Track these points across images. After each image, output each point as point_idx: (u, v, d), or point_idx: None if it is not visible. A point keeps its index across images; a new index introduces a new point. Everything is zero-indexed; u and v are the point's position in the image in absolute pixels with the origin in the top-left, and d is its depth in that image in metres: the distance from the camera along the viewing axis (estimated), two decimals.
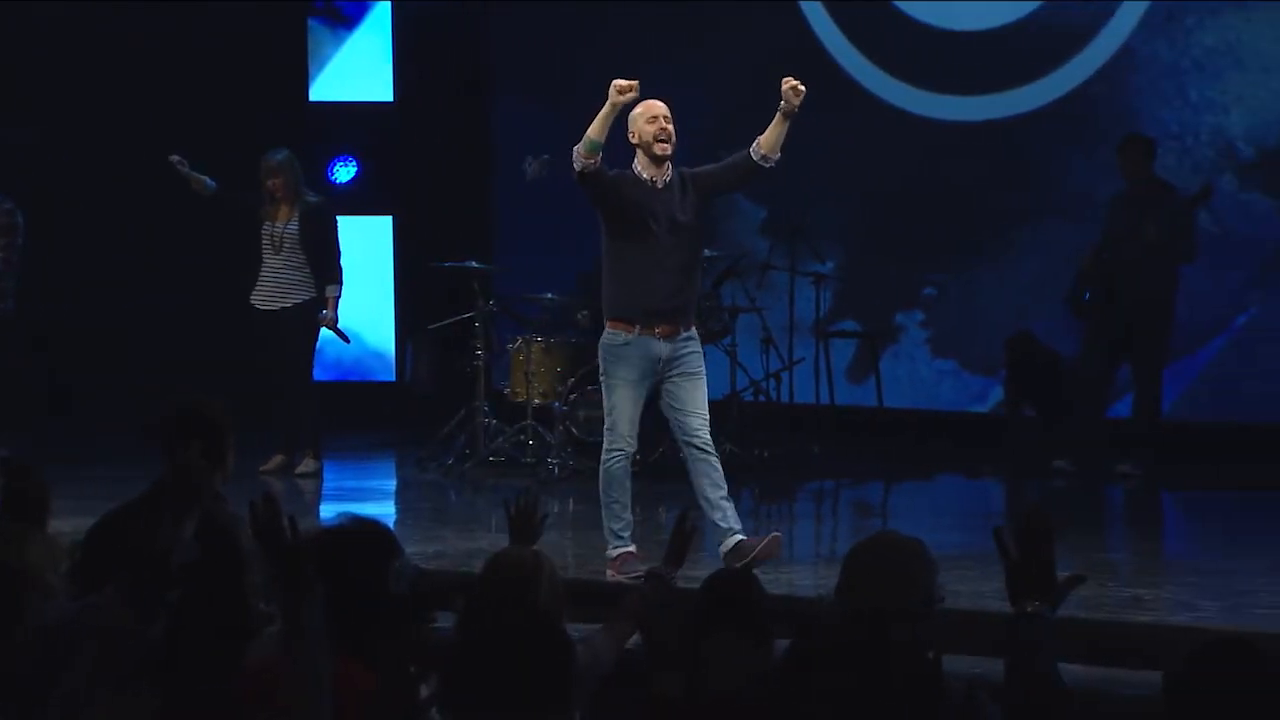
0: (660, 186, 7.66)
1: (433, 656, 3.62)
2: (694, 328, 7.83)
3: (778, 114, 7.58)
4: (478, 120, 13.60)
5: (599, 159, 7.52)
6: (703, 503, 7.68)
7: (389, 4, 13.59)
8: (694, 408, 7.69)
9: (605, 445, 7.74)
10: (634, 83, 7.47)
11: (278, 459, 10.83)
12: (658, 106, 7.70)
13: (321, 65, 13.63)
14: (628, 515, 7.69)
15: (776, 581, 7.50)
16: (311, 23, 13.63)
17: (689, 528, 4.77)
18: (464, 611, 4.06)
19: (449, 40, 13.53)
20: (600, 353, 7.78)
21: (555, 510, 9.30)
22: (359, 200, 13.07)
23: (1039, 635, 3.45)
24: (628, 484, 7.72)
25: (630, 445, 7.71)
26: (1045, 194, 12.01)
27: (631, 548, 7.63)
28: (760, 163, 7.65)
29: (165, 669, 3.59)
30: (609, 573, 7.64)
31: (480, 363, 11.11)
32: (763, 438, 11.24)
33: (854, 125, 12.48)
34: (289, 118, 13.04)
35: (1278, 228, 11.37)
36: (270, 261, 10.80)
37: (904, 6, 12.37)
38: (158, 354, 12.84)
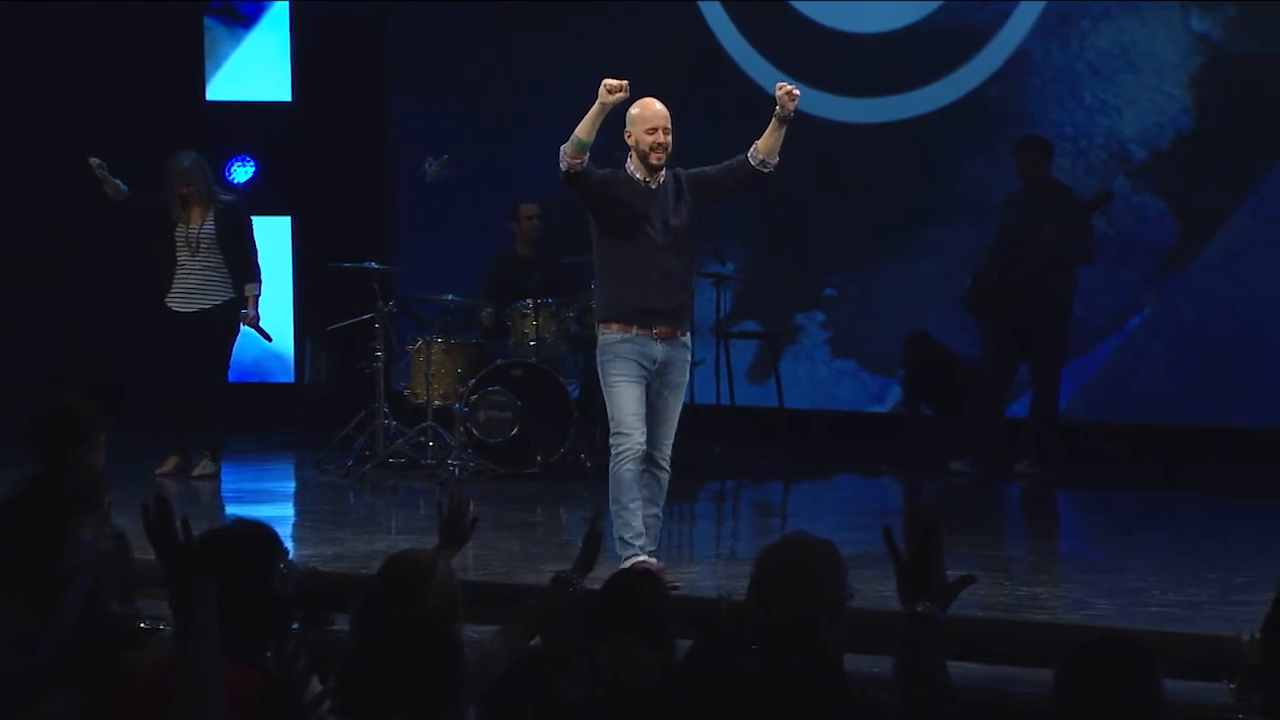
0: (654, 188, 7.57)
1: (327, 657, 3.60)
2: (689, 333, 7.71)
3: (773, 120, 7.52)
4: (377, 120, 13.54)
5: (586, 159, 7.42)
6: (645, 506, 7.52)
7: (287, 3, 13.49)
8: (667, 422, 7.55)
9: (613, 448, 7.49)
10: (624, 83, 7.38)
11: (173, 460, 10.74)
12: (658, 115, 7.57)
13: (219, 64, 13.52)
14: (638, 523, 7.44)
15: (678, 581, 7.52)
16: (208, 22, 13.51)
17: (599, 532, 4.75)
18: (357, 612, 4.05)
19: (348, 39, 13.46)
20: (598, 355, 7.63)
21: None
22: (257, 200, 12.94)
23: (928, 635, 3.49)
24: (637, 488, 7.47)
25: (639, 442, 7.45)
26: (943, 195, 12.10)
27: (644, 556, 7.33)
28: (759, 168, 7.60)
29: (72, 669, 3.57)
30: None
31: (380, 364, 11.06)
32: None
33: (753, 126, 12.49)
34: (186, 117, 12.94)
35: (1170, 229, 11.51)
36: (187, 264, 10.71)
37: (802, 8, 12.43)
38: (59, 354, 12.71)
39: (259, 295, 10.76)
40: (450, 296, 11.27)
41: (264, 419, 12.84)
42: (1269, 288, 11.20)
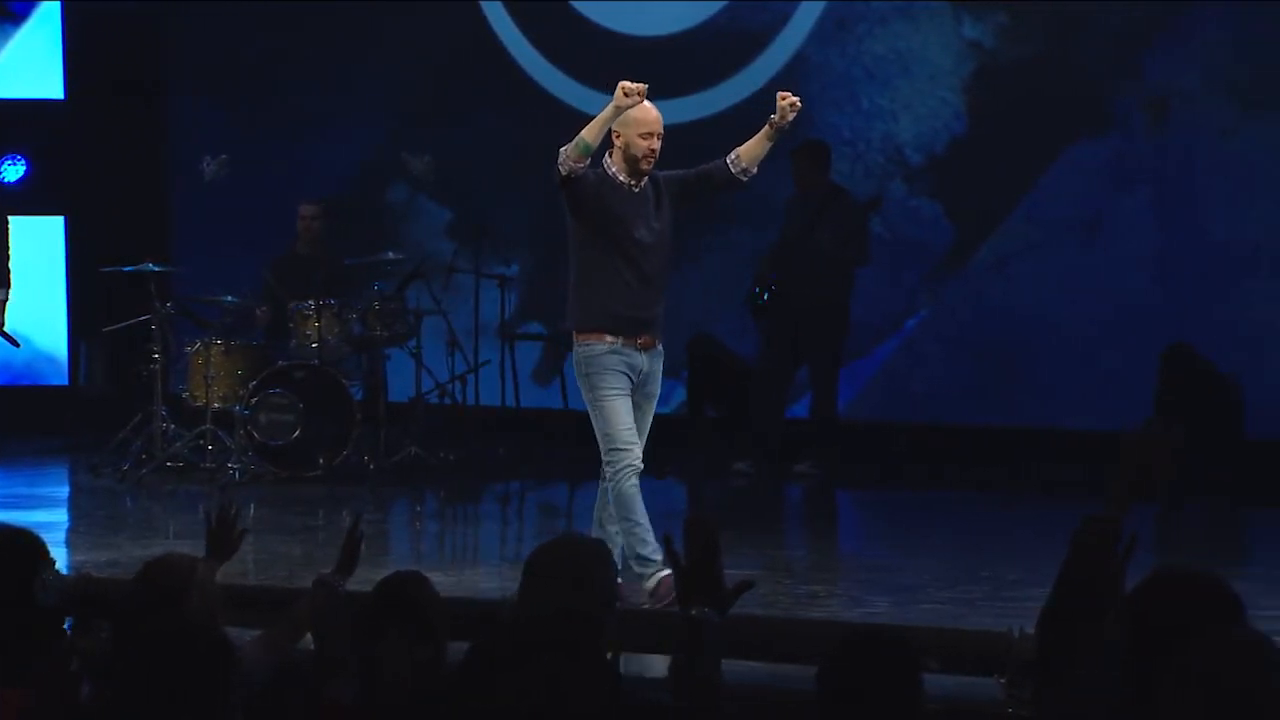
0: (637, 191, 7.26)
1: (95, 664, 3.52)
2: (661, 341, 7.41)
3: (766, 128, 7.21)
4: (153, 119, 13.32)
5: (589, 163, 7.11)
6: (595, 528, 7.28)
7: (59, 1, 13.21)
8: (641, 434, 7.24)
9: (609, 465, 7.17)
10: (643, 86, 7.05)
11: None
12: (654, 121, 7.23)
13: None
14: (652, 538, 7.09)
15: (460, 584, 7.51)
16: None
17: (359, 535, 4.70)
18: (118, 619, 3.97)
19: (122, 38, 13.21)
20: (579, 368, 7.26)
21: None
22: (29, 200, 12.67)
23: (704, 639, 3.52)
24: (642, 502, 7.15)
25: (637, 457, 7.16)
26: (726, 198, 12.13)
27: (667, 571, 6.81)
28: (739, 176, 7.30)
29: None
30: (648, 603, 6.99)
31: (157, 366, 10.88)
32: (448, 440, 11.21)
33: (537, 127, 12.50)
34: None
35: (946, 232, 11.72)
36: None
37: (583, 10, 12.46)
38: None
39: (6, 300, 10.42)
40: (230, 298, 11.11)
41: (37, 423, 12.57)
42: (1042, 290, 11.45)
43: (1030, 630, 5.23)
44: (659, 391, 7.39)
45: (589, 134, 7.07)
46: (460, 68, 12.63)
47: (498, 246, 11.83)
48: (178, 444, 10.84)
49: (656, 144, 7.21)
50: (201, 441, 10.83)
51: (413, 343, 11.23)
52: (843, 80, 11.83)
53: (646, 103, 7.20)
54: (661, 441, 12.09)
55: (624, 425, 7.15)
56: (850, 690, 3.23)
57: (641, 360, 7.24)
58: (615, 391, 7.18)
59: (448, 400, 11.62)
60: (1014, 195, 11.50)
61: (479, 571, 8.08)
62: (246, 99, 12.98)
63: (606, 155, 7.23)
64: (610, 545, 6.99)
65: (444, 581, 7.18)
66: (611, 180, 7.23)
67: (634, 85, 7.04)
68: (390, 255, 11.34)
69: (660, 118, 7.26)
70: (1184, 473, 3.08)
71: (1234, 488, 9.95)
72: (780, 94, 7.22)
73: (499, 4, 12.65)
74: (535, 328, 12.59)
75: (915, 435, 11.55)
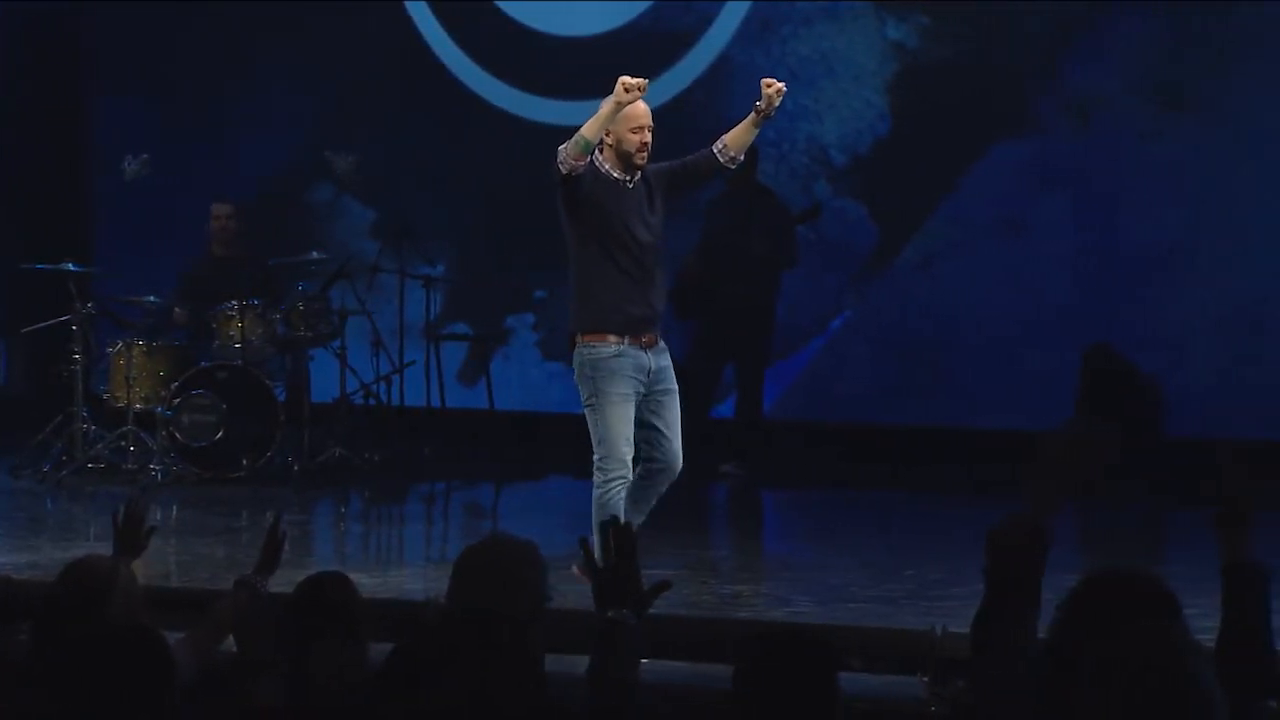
0: (631, 187, 7.15)
1: (14, 668, 3.49)
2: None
3: (751, 114, 7.11)
4: (74, 118, 13.21)
5: (589, 161, 6.99)
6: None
7: None
8: (674, 429, 7.13)
9: (600, 472, 7.04)
10: (643, 81, 6.93)
11: None
12: (643, 114, 7.11)
13: None
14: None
15: (385, 585, 7.49)
16: None
17: (280, 535, 4.68)
18: (37, 621, 3.94)
19: (44, 37, 13.10)
20: (582, 371, 7.10)
21: (159, 517, 9.10)
22: None
23: (621, 641, 3.53)
24: (624, 514, 6.92)
25: (630, 470, 7.02)
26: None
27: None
28: (726, 164, 7.21)
29: None
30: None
31: (78, 367, 10.80)
32: (374, 441, 11.18)
33: (462, 127, 12.51)
34: None
35: (870, 233, 11.77)
36: None
37: (509, 10, 12.44)
38: None
39: None
40: (152, 298, 11.04)
41: None
42: (965, 289, 11.52)
43: (953, 629, 5.28)
44: (676, 386, 7.22)
45: (589, 131, 6.95)
46: (385, 67, 12.59)
47: (423, 247, 11.80)
48: (99, 445, 10.76)
49: (648, 137, 7.10)
50: (123, 443, 10.76)
51: (337, 343, 11.18)
52: None
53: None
54: (587, 441, 12.15)
55: (623, 434, 7.00)
56: (764, 689, 3.24)
57: (648, 360, 7.12)
58: (620, 397, 7.03)
59: (372, 401, 11.58)
60: (937, 196, 11.56)
61: (404, 573, 8.06)
62: (168, 98, 12.90)
63: (596, 153, 7.13)
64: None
65: (369, 583, 7.18)
66: (605, 177, 7.13)
67: (634, 80, 6.92)
68: (314, 255, 11.30)
69: (649, 111, 7.15)
70: (1116, 473, 3.09)
71: (1155, 487, 10.03)
72: (765, 80, 7.14)
73: (424, 4, 12.62)
74: (461, 328, 12.56)
75: (840, 435, 11.59)
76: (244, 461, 10.61)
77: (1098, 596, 2.87)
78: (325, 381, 11.25)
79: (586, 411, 7.13)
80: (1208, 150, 11.05)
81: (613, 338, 7.07)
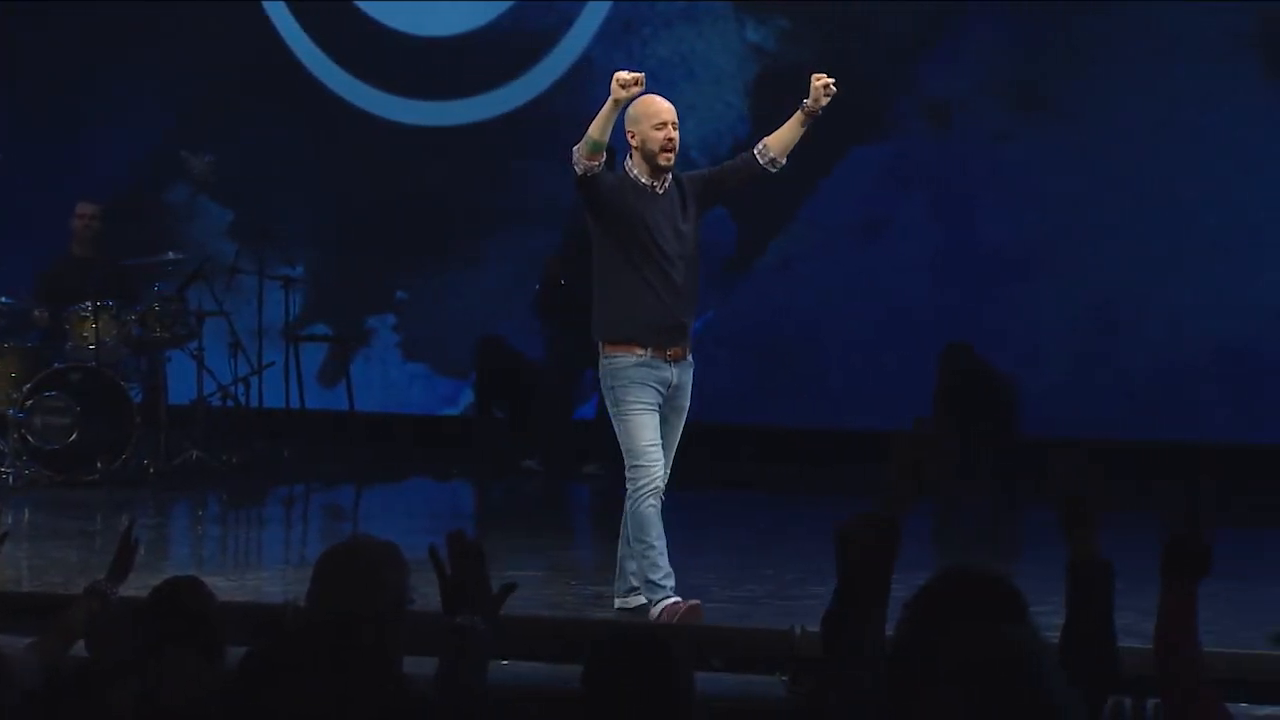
0: (660, 192, 6.87)
1: None
2: (692, 352, 7.05)
3: (798, 114, 6.92)
4: None
5: (603, 159, 6.72)
6: (622, 545, 7.00)
7: None
8: (669, 448, 6.95)
9: (631, 482, 6.82)
10: (639, 75, 6.68)
11: None
12: (665, 110, 6.86)
13: None
14: (666, 562, 6.77)
15: (243, 588, 7.42)
16: None
17: (133, 541, 4.62)
18: None
19: None
20: (604, 381, 6.92)
21: (10, 521, 8.96)
22: None
23: (471, 647, 3.54)
24: (660, 525, 6.80)
25: (659, 477, 6.81)
26: (514, 199, 12.19)
27: (677, 599, 6.72)
28: (767, 167, 6.98)
29: None
30: None
31: None
32: (232, 443, 11.08)
33: (322, 128, 12.43)
34: None
35: (731, 234, 11.83)
36: None
37: (368, 9, 12.38)
38: None
39: None
40: (4, 299, 10.88)
41: None
42: (826, 291, 11.61)
43: (812, 629, 5.32)
44: (688, 404, 7.05)
45: (595, 130, 6.69)
46: (243, 67, 12.49)
47: (282, 247, 11.71)
48: None
49: (673, 133, 6.84)
50: None
51: (194, 344, 11.08)
52: None
53: (655, 96, 6.92)
54: (450, 442, 12.15)
55: (648, 441, 6.82)
56: (608, 689, 3.25)
57: (671, 373, 6.91)
58: (642, 407, 6.83)
59: (231, 403, 11.48)
60: (797, 197, 11.64)
61: (263, 576, 7.99)
62: (21, 96, 12.72)
63: (627, 159, 6.92)
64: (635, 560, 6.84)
65: (227, 586, 7.11)
66: (634, 183, 6.87)
67: (629, 75, 6.70)
68: (171, 256, 11.20)
69: (671, 107, 6.91)
70: (962, 472, 3.14)
71: (1009, 484, 10.16)
72: (815, 75, 6.92)
73: (282, 4, 12.52)
74: (320, 329, 12.48)
75: (701, 436, 11.55)
76: (98, 464, 10.48)
77: (943, 596, 2.90)
78: (183, 383, 11.14)
79: (613, 422, 6.93)
80: (1061, 151, 11.22)
81: (636, 348, 6.87)
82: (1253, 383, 10.96)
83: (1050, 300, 11.20)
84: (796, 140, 6.99)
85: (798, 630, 6.09)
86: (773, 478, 10.98)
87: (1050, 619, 3.21)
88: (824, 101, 6.90)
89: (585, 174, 6.72)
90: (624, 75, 6.72)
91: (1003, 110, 11.34)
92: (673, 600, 6.73)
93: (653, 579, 6.78)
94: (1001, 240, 11.32)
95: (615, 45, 11.96)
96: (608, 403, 6.96)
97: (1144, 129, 11.10)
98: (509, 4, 12.18)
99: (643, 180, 6.86)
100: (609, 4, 11.99)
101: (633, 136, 6.85)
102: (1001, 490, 10.06)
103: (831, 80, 6.88)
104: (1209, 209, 11.05)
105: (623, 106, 6.73)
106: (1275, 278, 10.93)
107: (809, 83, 7.00)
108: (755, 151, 7.00)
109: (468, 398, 12.31)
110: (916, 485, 3.19)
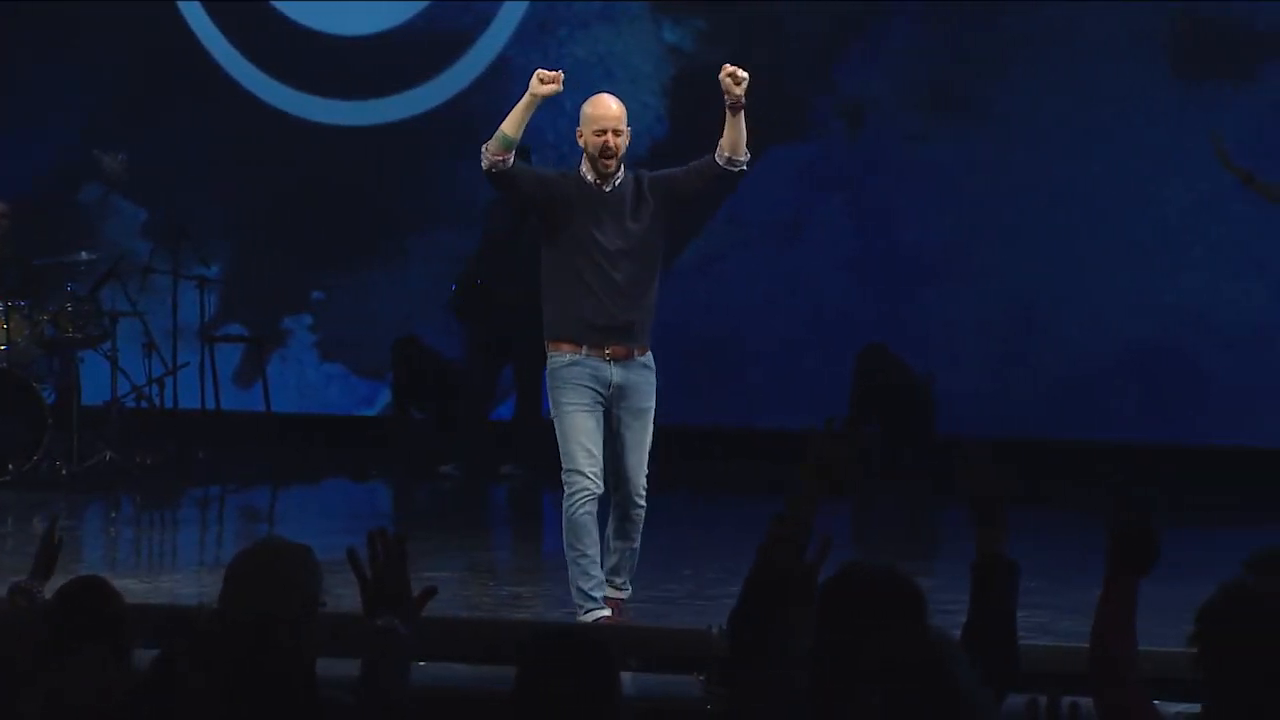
0: (607, 190, 6.80)
1: None
2: (649, 352, 6.97)
3: (727, 111, 6.83)
4: None
5: (511, 157, 6.67)
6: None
7: None
8: (635, 451, 6.86)
9: (565, 487, 6.74)
10: (557, 74, 6.71)
11: None
12: (608, 117, 6.82)
13: None
14: (598, 572, 6.71)
15: (156, 590, 7.37)
16: None
17: (56, 539, 4.58)
18: None
19: None
20: (548, 380, 6.87)
21: None
22: None
23: (391, 650, 3.53)
24: (595, 532, 6.71)
25: (595, 483, 6.70)
26: (431, 199, 12.15)
27: (606, 611, 6.68)
28: (727, 167, 6.87)
29: None
30: None
31: None
32: (146, 444, 10.99)
33: (238, 127, 12.35)
34: None
35: None
36: None
37: (284, 9, 12.31)
38: None
39: None
40: None
41: None
42: (745, 291, 11.63)
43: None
44: (652, 405, 6.94)
45: (506, 125, 6.68)
46: (156, 65, 12.39)
47: (197, 247, 11.62)
48: None
49: (612, 139, 6.78)
50: None
51: (107, 345, 11.00)
52: None
53: (605, 97, 6.93)
54: (368, 443, 12.09)
55: (580, 445, 6.71)
56: (544, 690, 3.24)
57: (610, 372, 6.80)
58: (574, 407, 6.74)
59: (145, 403, 11.38)
60: (717, 198, 11.64)
61: (176, 577, 7.94)
62: None
63: (582, 157, 6.88)
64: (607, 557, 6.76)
65: (140, 588, 7.07)
66: (579, 180, 6.83)
67: (549, 73, 6.73)
68: (84, 255, 11.10)
69: (619, 113, 6.88)
70: (873, 470, 3.15)
71: (926, 483, 10.21)
72: (723, 66, 6.87)
73: (197, 3, 12.42)
74: (236, 329, 12.39)
75: None
76: (10, 466, 10.37)
77: (842, 595, 2.91)
78: (96, 384, 11.05)
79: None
80: (978, 152, 11.29)
81: (567, 346, 6.81)
82: (1169, 383, 11.05)
83: (968, 300, 11.26)
84: (740, 133, 6.89)
85: (715, 630, 6.09)
86: (692, 477, 10.98)
87: (960, 617, 3.22)
88: (737, 90, 6.83)
89: (490, 169, 6.69)
90: (544, 72, 6.74)
91: (919, 111, 11.39)
92: (603, 613, 6.69)
93: (583, 587, 6.72)
94: (919, 241, 11.37)
95: (532, 45, 11.93)
96: (549, 403, 6.92)
97: (1059, 130, 11.17)
98: (425, 4, 12.13)
99: (589, 178, 6.83)
100: (525, 4, 11.97)
101: (580, 137, 6.85)
102: (917, 489, 10.10)
103: (736, 68, 6.84)
104: (1125, 209, 11.14)
105: (540, 104, 6.73)
106: (1191, 278, 11.03)
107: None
108: (714, 155, 6.93)
109: (385, 398, 12.26)
110: (825, 485, 3.19)
